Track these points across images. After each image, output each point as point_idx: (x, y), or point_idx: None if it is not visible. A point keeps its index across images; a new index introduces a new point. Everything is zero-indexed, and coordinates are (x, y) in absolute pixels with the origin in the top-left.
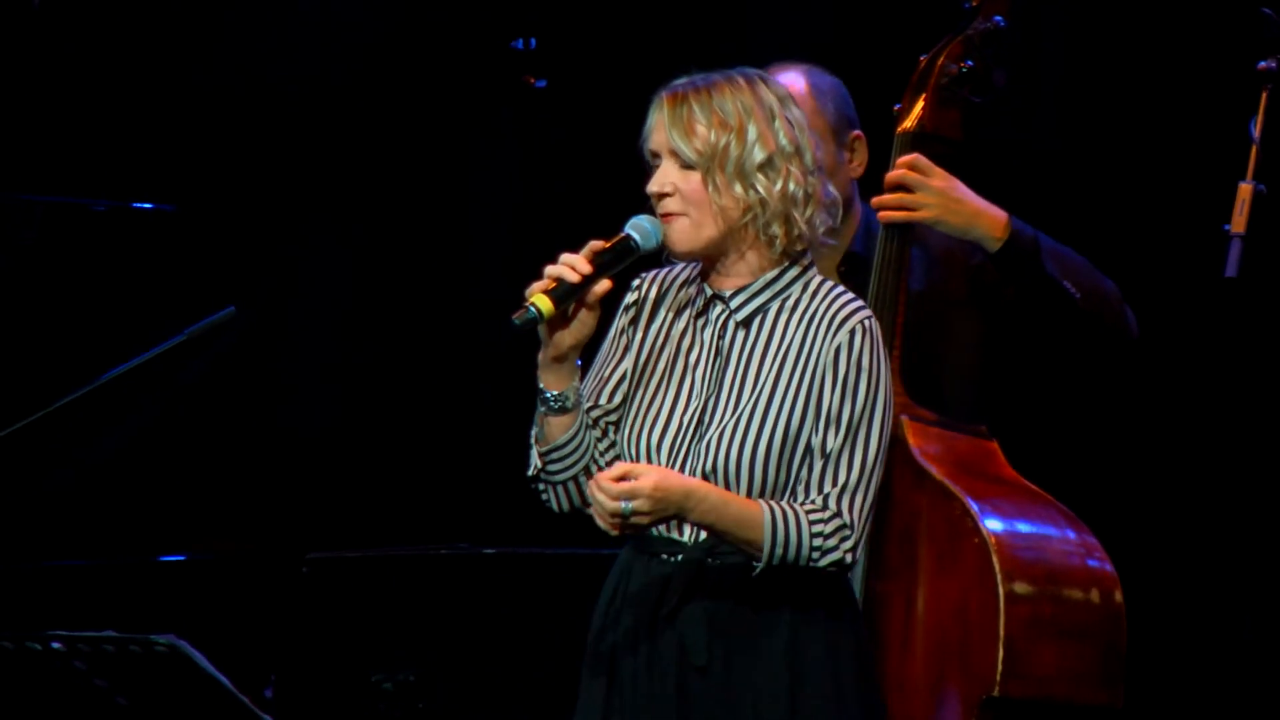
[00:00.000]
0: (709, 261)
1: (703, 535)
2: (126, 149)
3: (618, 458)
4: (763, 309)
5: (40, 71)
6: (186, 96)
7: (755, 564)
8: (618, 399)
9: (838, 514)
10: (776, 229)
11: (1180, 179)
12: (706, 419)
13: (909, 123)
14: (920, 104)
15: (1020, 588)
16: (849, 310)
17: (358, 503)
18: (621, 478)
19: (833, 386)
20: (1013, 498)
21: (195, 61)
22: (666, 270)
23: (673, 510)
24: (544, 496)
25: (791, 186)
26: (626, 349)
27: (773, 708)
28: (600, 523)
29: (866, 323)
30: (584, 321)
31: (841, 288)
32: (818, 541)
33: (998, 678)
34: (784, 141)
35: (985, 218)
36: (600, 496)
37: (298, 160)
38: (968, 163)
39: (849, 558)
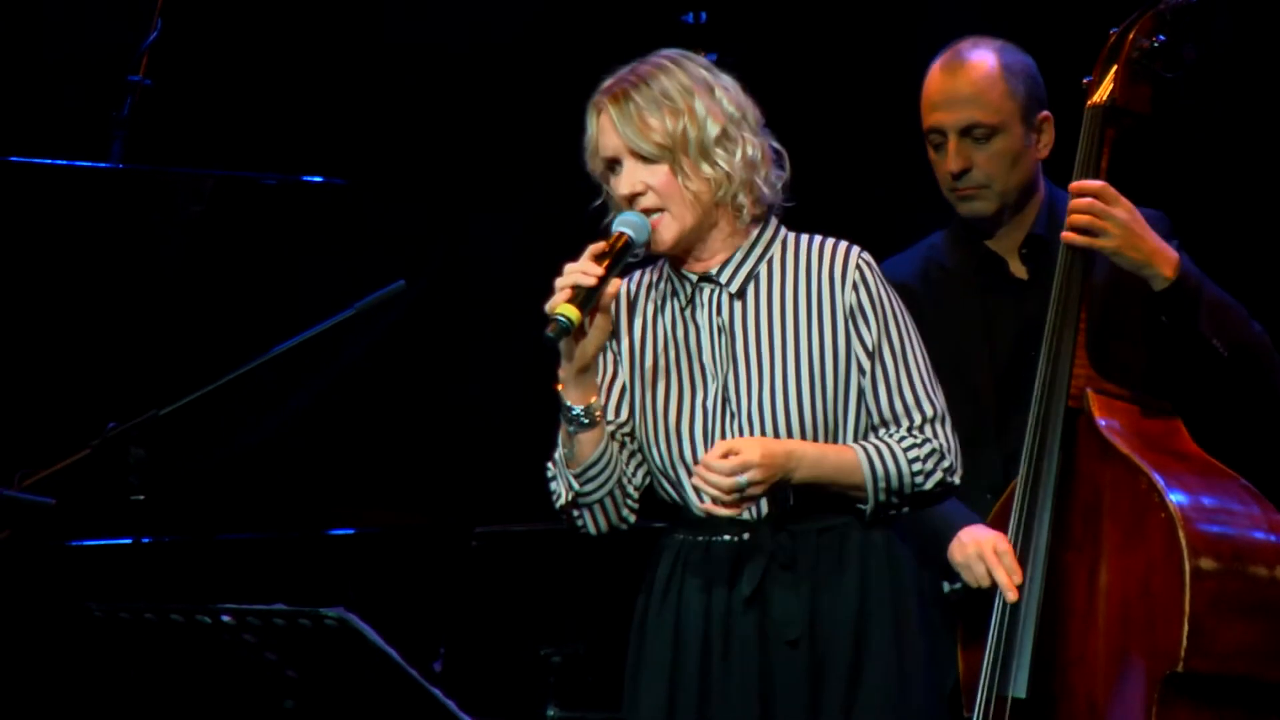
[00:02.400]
0: (686, 249)
1: (765, 511)
2: (299, 122)
3: (643, 466)
4: (752, 276)
5: (215, 44)
6: (358, 69)
7: (862, 507)
8: (624, 412)
9: (929, 439)
10: (743, 198)
11: None
12: (732, 395)
13: (1099, 97)
14: (1111, 78)
15: (1206, 563)
16: (843, 251)
17: (527, 477)
18: (725, 455)
19: (872, 328)
20: (1198, 473)
21: (367, 34)
22: (627, 279)
23: (779, 473)
24: (579, 523)
25: (749, 151)
26: (617, 361)
27: (836, 679)
28: (714, 508)
29: (865, 256)
30: (600, 327)
31: (819, 235)
32: (916, 466)
33: (1182, 654)
34: (730, 109)
35: (1160, 255)
36: (714, 478)
37: (469, 134)
38: (1156, 138)
39: (952, 478)
